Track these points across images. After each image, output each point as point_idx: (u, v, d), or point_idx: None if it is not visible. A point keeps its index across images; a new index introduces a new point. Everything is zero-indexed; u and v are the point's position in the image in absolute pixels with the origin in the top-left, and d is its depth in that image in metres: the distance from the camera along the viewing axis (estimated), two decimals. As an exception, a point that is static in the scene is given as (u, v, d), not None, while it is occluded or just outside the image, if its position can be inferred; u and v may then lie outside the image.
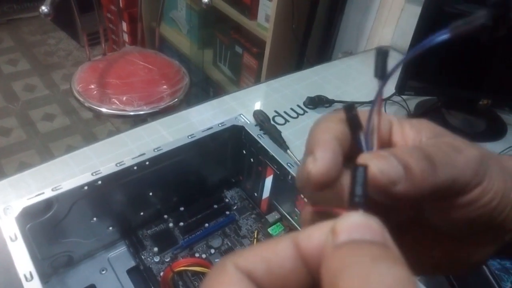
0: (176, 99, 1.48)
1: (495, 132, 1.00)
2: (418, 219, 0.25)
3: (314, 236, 0.17)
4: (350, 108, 0.23)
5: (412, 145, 0.23)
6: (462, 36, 0.19)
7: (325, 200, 0.23)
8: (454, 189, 0.21)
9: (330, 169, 0.21)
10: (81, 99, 1.41)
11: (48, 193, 0.51)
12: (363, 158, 0.20)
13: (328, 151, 0.21)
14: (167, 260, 0.62)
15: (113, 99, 1.40)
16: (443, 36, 0.19)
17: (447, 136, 0.24)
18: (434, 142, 0.23)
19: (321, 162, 0.21)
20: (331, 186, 0.21)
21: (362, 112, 0.23)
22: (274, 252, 0.17)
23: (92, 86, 1.43)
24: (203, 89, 2.10)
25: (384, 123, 0.24)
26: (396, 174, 0.20)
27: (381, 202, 0.20)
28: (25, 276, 0.43)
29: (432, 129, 0.24)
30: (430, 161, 0.20)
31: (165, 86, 1.49)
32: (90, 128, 2.14)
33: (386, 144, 0.24)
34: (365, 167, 0.19)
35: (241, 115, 0.69)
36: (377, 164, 0.20)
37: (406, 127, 0.24)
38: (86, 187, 0.54)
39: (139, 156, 0.58)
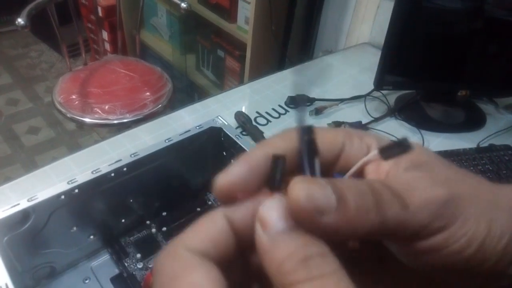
0: (160, 105, 1.48)
1: (474, 122, 1.01)
2: (392, 260, 0.22)
3: (240, 212, 0.20)
4: (307, 131, 0.20)
5: (384, 178, 0.21)
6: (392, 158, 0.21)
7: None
8: (405, 232, 0.19)
9: (233, 184, 0.20)
10: (63, 110, 1.40)
11: (24, 204, 0.51)
12: (296, 181, 0.18)
13: (243, 167, 0.20)
14: (150, 266, 0.62)
15: (96, 108, 1.39)
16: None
17: (422, 168, 0.21)
18: (392, 179, 0.21)
19: (229, 175, 0.20)
20: (233, 201, 0.20)
21: (326, 132, 0.22)
22: (216, 229, 0.19)
23: (74, 97, 1.42)
24: (188, 94, 2.10)
25: (360, 146, 0.22)
26: (326, 203, 0.17)
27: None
28: (1, 288, 0.43)
29: (413, 160, 0.21)
30: (371, 198, 0.18)
31: (147, 93, 1.48)
32: (76, 139, 2.12)
33: (358, 175, 0.22)
34: (283, 159, 0.20)
35: (219, 117, 0.69)
36: (305, 188, 0.17)
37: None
38: (62, 196, 0.53)
39: (115, 162, 0.57)
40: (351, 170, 0.22)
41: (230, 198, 0.20)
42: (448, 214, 0.19)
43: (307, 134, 0.20)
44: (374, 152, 0.21)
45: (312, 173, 0.20)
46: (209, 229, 0.19)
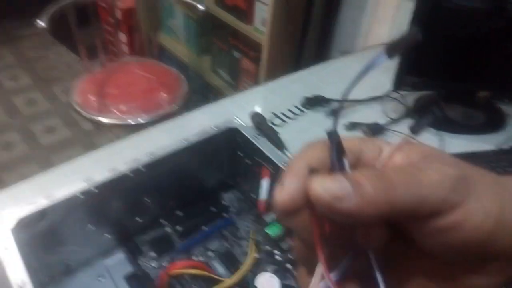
0: (176, 106, 1.48)
1: (495, 124, 0.98)
2: (414, 247, 0.23)
3: None
4: (332, 135, 0.22)
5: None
6: (398, 54, 0.20)
7: (301, 224, 0.23)
8: (425, 209, 0.20)
9: (294, 198, 0.21)
10: (80, 110, 1.42)
11: (42, 202, 0.51)
12: (314, 179, 0.21)
13: (295, 180, 0.21)
14: (164, 265, 0.62)
15: (113, 109, 1.40)
16: (381, 59, 0.20)
17: (431, 157, 0.23)
18: (403, 165, 0.23)
19: (287, 191, 0.21)
20: (298, 213, 0.22)
21: (346, 140, 0.24)
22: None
23: (92, 97, 1.44)
24: (204, 95, 2.10)
25: (374, 149, 0.24)
26: (341, 191, 0.20)
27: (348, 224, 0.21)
28: (18, 285, 0.43)
29: (422, 152, 0.23)
30: (386, 179, 0.20)
31: (164, 94, 1.49)
32: (92, 139, 2.15)
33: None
34: (317, 171, 0.21)
35: (235, 117, 0.68)
36: (320, 182, 0.20)
37: (394, 152, 0.24)
38: (80, 195, 0.53)
39: (133, 162, 0.57)
40: (384, 154, 0.24)
41: (292, 212, 0.22)
42: (462, 189, 0.20)
43: (335, 137, 0.22)
44: (404, 136, 0.23)
45: (342, 170, 0.22)
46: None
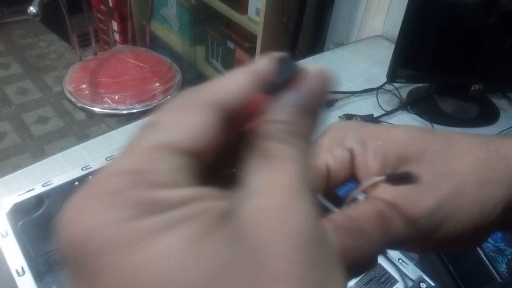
0: (169, 97, 1.48)
1: (487, 117, 1.00)
2: None
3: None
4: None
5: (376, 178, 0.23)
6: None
7: None
8: (408, 241, 0.23)
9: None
10: (73, 99, 1.41)
11: (39, 189, 0.51)
12: None
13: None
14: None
15: (105, 98, 1.39)
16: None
17: (411, 167, 0.23)
18: (381, 197, 0.22)
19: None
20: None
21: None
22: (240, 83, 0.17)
23: (84, 86, 1.43)
24: (197, 86, 2.09)
25: (343, 155, 0.24)
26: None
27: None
28: (17, 271, 0.43)
29: (398, 153, 0.23)
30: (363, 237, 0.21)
31: (157, 84, 1.48)
32: (84, 129, 2.13)
33: (349, 178, 0.24)
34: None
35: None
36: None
37: (369, 158, 0.23)
38: (76, 182, 0.53)
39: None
40: (352, 194, 0.23)
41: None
42: (437, 217, 0.22)
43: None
44: (381, 178, 0.22)
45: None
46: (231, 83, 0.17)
